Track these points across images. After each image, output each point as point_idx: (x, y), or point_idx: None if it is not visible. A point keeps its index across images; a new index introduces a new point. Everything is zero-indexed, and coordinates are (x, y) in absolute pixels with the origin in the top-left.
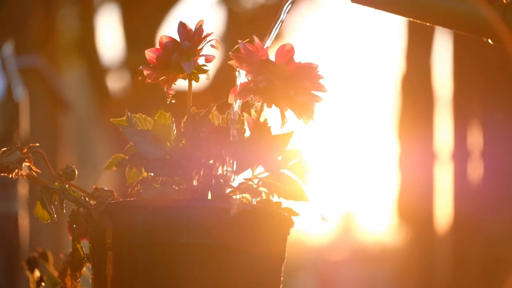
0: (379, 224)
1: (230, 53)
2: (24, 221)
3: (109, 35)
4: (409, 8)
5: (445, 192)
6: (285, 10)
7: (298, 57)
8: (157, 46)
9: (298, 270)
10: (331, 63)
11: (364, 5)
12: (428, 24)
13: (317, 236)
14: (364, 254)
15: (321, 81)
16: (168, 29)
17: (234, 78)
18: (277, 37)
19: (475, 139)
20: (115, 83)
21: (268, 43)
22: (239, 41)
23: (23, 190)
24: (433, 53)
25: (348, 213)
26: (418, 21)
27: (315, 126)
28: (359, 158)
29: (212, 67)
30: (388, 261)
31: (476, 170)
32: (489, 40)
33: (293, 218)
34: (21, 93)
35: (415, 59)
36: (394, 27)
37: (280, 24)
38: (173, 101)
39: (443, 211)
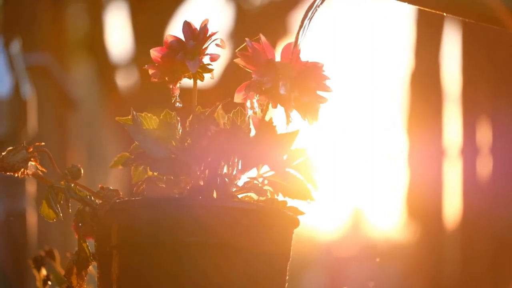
0: (388, 221)
1: (236, 51)
2: (31, 219)
3: (118, 32)
4: None
5: (454, 188)
6: (313, 10)
7: (304, 56)
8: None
9: (307, 266)
10: (339, 59)
11: None
12: (455, 16)
13: (326, 232)
14: (373, 251)
15: (326, 81)
16: (177, 26)
17: (240, 77)
18: (283, 34)
19: (484, 135)
20: (123, 80)
21: (299, 40)
22: (246, 39)
23: (31, 188)
24: (442, 48)
25: (357, 210)
26: (445, 14)
27: (320, 125)
28: (367, 155)
29: (218, 65)
30: (397, 257)
31: (485, 166)
32: None
33: (299, 217)
34: (28, 91)
35: (424, 55)
36: (403, 23)
37: (308, 25)
38: (179, 104)
39: (452, 207)
